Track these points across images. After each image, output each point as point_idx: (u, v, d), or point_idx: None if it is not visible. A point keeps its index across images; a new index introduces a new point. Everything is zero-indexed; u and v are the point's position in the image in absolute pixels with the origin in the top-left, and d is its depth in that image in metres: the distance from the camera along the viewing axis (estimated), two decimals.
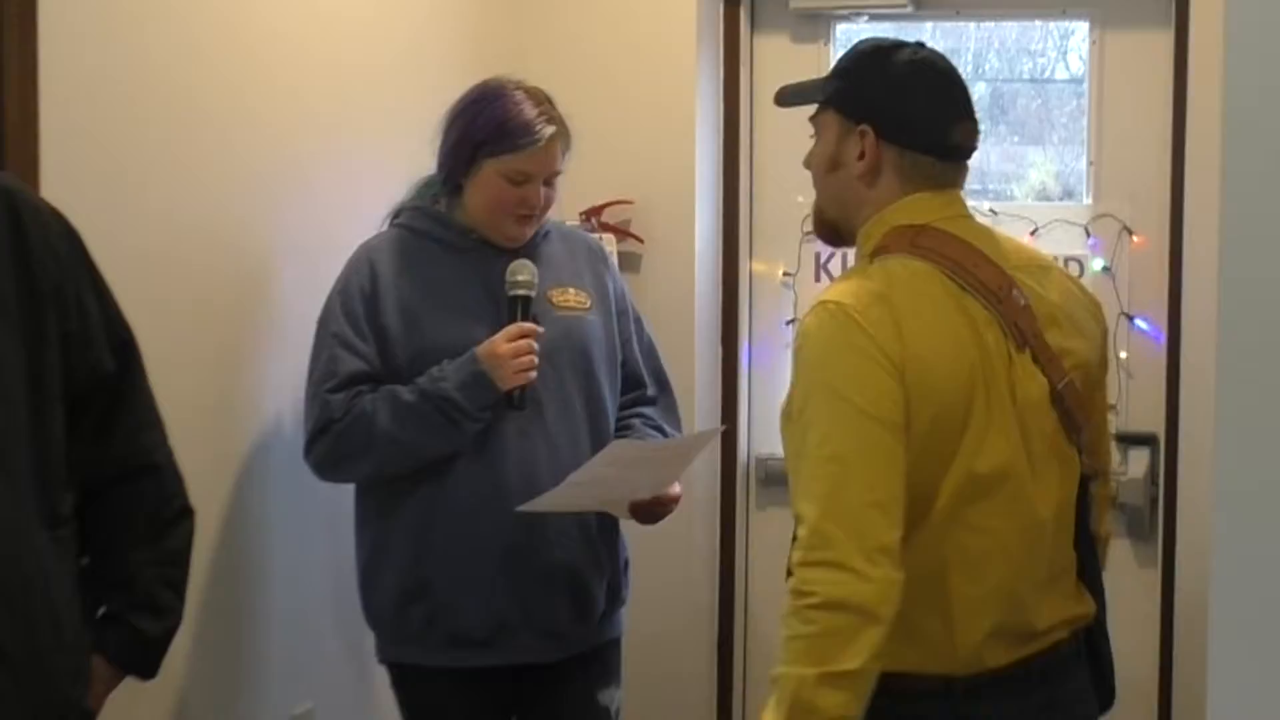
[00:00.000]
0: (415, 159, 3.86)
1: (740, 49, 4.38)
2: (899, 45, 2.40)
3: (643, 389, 3.17)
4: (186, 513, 2.51)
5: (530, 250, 3.05)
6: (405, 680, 3.10)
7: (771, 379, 4.40)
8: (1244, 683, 1.69)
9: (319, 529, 3.39)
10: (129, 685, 2.46)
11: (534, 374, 2.91)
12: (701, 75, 4.26)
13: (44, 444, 2.28)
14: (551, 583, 2.99)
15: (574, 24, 4.26)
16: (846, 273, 2.41)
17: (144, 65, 2.84)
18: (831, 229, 2.44)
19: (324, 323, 2.99)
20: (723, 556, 4.42)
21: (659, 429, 3.13)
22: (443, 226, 3.03)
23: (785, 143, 4.41)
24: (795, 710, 2.05)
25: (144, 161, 2.85)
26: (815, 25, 4.41)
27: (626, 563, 3.18)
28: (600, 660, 3.13)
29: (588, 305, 3.07)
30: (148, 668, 2.46)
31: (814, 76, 2.54)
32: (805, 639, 2.06)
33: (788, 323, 4.38)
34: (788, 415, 2.21)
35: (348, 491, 3.46)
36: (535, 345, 2.91)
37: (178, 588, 2.48)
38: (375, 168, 3.62)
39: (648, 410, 3.16)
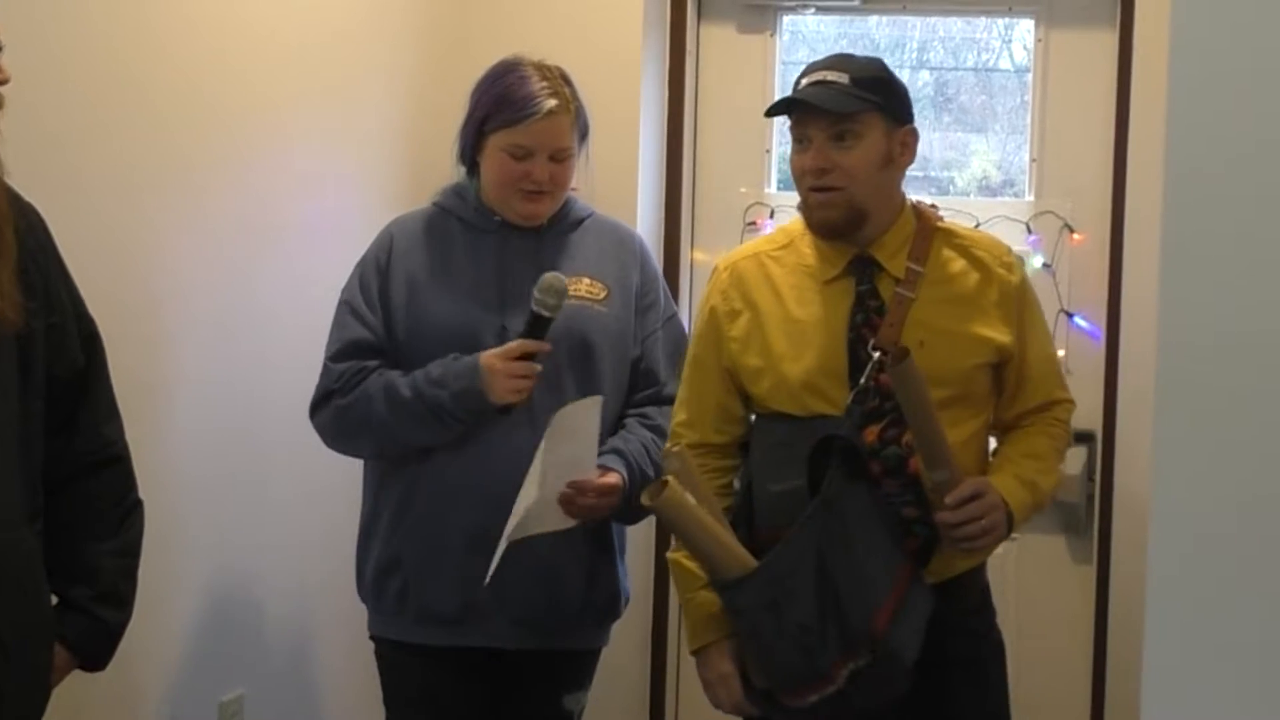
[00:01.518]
0: (363, 143, 3.84)
1: (686, 38, 4.36)
2: (879, 59, 2.93)
3: (659, 385, 3.10)
4: (139, 504, 2.53)
5: (557, 237, 3.05)
6: (383, 655, 3.10)
7: None
8: (1179, 680, 1.70)
9: (247, 517, 3.36)
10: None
11: (525, 396, 2.91)
12: (646, 63, 4.24)
13: (29, 439, 2.29)
14: (524, 569, 2.96)
15: (520, 7, 4.23)
16: (966, 231, 2.95)
17: (82, 43, 2.80)
18: (859, 220, 2.78)
19: (343, 292, 3.05)
20: (658, 548, 4.40)
21: (657, 429, 3.04)
22: (468, 206, 3.05)
23: (729, 133, 4.41)
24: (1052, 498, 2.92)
25: (81, 143, 2.81)
26: (762, 16, 4.40)
27: (623, 574, 3.14)
28: (576, 666, 3.13)
29: (601, 297, 3.04)
30: (103, 659, 2.47)
31: (846, 79, 2.78)
32: (1061, 456, 2.92)
33: None
34: (1044, 327, 2.94)
35: (274, 477, 3.45)
36: (536, 367, 2.90)
37: (134, 579, 2.51)
38: (322, 151, 3.60)
39: (653, 410, 3.08)
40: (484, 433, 2.94)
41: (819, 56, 4.24)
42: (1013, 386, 2.87)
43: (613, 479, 2.96)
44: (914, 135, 2.84)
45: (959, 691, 2.85)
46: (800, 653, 2.61)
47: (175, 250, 3.11)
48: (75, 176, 2.81)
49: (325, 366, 3.00)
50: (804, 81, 2.80)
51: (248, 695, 3.37)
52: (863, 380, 2.73)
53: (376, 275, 3.01)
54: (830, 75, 2.78)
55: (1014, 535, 2.89)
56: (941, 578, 2.78)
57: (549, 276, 2.92)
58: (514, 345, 2.90)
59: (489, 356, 2.90)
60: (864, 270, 2.81)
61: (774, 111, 2.83)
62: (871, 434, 2.73)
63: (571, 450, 2.89)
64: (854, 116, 2.74)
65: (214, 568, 3.26)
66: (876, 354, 2.73)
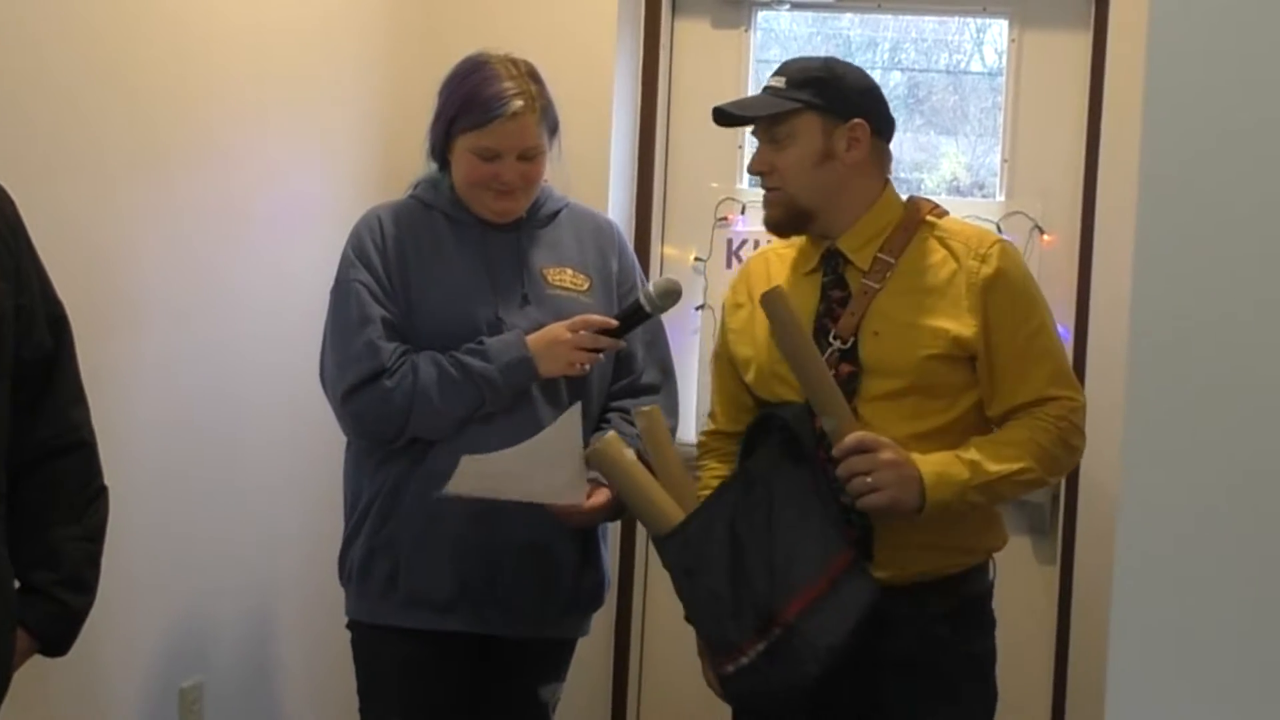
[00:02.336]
0: (335, 133, 3.82)
1: (660, 32, 4.36)
2: (830, 58, 2.93)
3: (635, 375, 3.10)
4: (104, 490, 2.51)
5: (536, 229, 3.05)
6: (362, 638, 3.07)
7: (680, 362, 4.36)
8: (1144, 680, 1.70)
9: (212, 505, 3.34)
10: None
11: (580, 371, 2.94)
12: (620, 57, 4.23)
13: None
14: (518, 556, 2.96)
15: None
16: (956, 224, 2.90)
17: (55, 29, 2.78)
18: (803, 218, 2.83)
19: (343, 275, 2.99)
20: (624, 540, 4.41)
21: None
22: (446, 200, 3.03)
23: (701, 128, 4.39)
24: (1018, 490, 2.78)
25: (52, 129, 2.80)
26: (737, 11, 4.40)
27: (607, 564, 3.14)
28: (555, 656, 3.13)
29: (585, 287, 3.04)
30: (64, 644, 2.45)
31: (772, 85, 2.84)
32: (1065, 462, 2.84)
33: (697, 308, 4.36)
34: (1040, 317, 2.83)
35: (241, 465, 3.43)
36: (614, 343, 2.95)
37: (97, 565, 2.48)
38: (294, 140, 3.58)
39: (632, 403, 3.06)
40: (481, 420, 2.93)
41: (791, 55, 4.27)
42: (985, 379, 2.79)
43: (599, 499, 2.93)
44: (863, 129, 2.82)
45: (913, 699, 2.80)
46: (713, 620, 2.65)
47: (145, 237, 3.09)
48: (45, 163, 2.79)
49: (372, 344, 2.91)
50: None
51: (207, 682, 3.35)
52: None
53: (379, 256, 2.97)
54: (774, 80, 2.84)
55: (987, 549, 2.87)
56: (903, 577, 2.74)
57: (669, 282, 3.00)
58: (579, 320, 2.93)
59: (555, 326, 2.93)
60: (831, 262, 2.85)
61: (718, 120, 2.90)
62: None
63: (560, 476, 2.86)
64: (783, 118, 2.80)
65: (177, 555, 3.24)
66: (836, 342, 2.76)
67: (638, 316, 2.98)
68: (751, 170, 2.87)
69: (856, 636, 2.64)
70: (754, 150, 2.88)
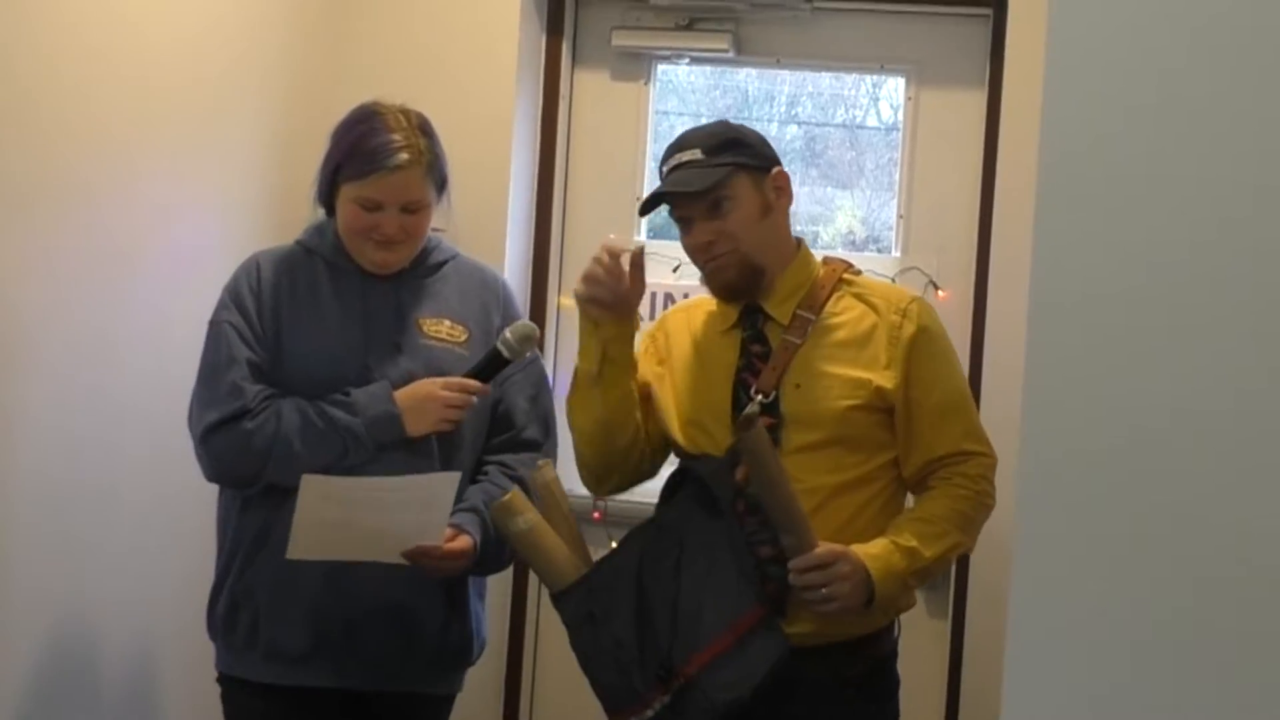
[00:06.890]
0: (227, 172, 3.77)
1: (560, 83, 4.37)
2: (721, 120, 3.08)
3: (516, 430, 3.06)
4: None
5: (418, 280, 3.02)
6: (229, 695, 3.03)
7: None
8: None
9: (91, 556, 3.28)
10: None
11: (451, 428, 2.92)
12: (519, 107, 4.23)
13: None
14: (378, 609, 2.92)
15: (394, 45, 4.21)
16: (872, 282, 3.00)
17: None
18: (756, 275, 2.86)
19: (215, 316, 2.98)
20: (515, 595, 4.37)
21: (519, 480, 2.98)
22: (329, 247, 3.01)
23: (600, 179, 4.41)
24: (948, 565, 3.05)
25: None
26: (637, 64, 4.41)
27: (480, 620, 3.09)
28: (427, 712, 3.08)
29: (461, 339, 3.01)
30: None
31: (702, 161, 2.85)
32: (981, 523, 2.89)
33: None
34: (958, 374, 2.96)
35: (122, 515, 3.36)
36: (473, 400, 2.92)
37: None
38: (179, 184, 3.54)
39: (511, 458, 3.04)
40: (341, 470, 2.89)
41: (689, 107, 4.28)
42: (903, 432, 2.84)
43: (461, 544, 2.90)
44: (784, 176, 2.91)
45: None
46: (616, 670, 2.65)
47: (25, 282, 3.02)
48: None
49: (236, 385, 2.89)
50: (665, 169, 2.90)
51: None
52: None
53: (253, 299, 2.96)
54: (685, 155, 2.87)
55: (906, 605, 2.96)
56: (818, 638, 2.75)
57: (525, 326, 2.98)
58: (454, 380, 2.92)
59: (429, 382, 2.91)
60: (752, 318, 2.88)
61: (647, 209, 2.94)
62: (742, 473, 2.75)
63: (422, 518, 2.85)
64: (719, 186, 2.82)
65: (55, 604, 3.17)
66: (758, 396, 2.79)
67: (497, 363, 2.96)
68: (697, 245, 2.87)
69: (760, 693, 2.64)
70: (686, 228, 2.88)
